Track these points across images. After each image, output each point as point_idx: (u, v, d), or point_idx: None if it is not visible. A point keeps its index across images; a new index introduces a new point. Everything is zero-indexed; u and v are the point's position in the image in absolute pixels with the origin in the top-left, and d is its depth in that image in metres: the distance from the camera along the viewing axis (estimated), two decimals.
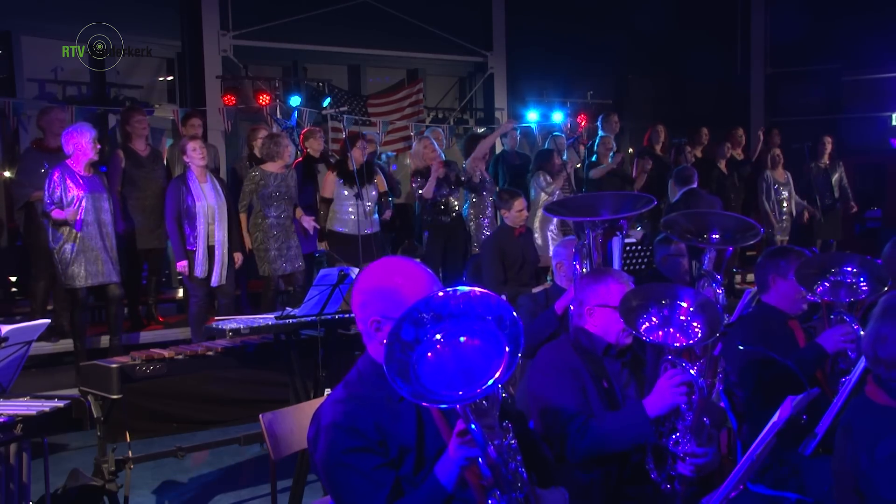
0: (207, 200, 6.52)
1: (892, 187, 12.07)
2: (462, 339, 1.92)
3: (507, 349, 1.86)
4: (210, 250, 6.58)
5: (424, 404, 1.89)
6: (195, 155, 6.49)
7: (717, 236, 3.23)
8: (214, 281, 6.63)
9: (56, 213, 6.09)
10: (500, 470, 1.93)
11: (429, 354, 1.91)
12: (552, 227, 8.29)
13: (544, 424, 2.86)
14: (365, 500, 2.11)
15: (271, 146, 6.95)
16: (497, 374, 1.82)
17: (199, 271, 6.53)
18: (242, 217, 6.90)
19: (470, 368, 1.88)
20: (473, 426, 1.88)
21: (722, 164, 9.88)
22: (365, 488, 2.11)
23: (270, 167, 6.94)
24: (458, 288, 1.94)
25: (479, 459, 1.93)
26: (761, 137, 10.61)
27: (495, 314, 1.90)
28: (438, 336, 1.92)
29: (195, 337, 6.45)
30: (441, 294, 1.94)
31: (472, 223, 8.09)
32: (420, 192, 7.78)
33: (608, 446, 2.79)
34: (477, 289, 1.93)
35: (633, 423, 2.75)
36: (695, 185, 8.23)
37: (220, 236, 6.60)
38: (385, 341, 1.92)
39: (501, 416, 1.99)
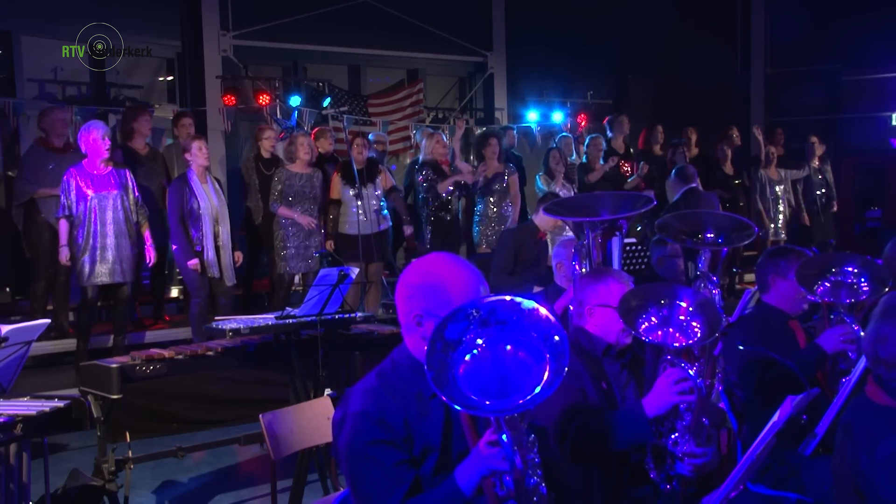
0: (211, 201, 6.53)
1: (892, 187, 12.07)
2: (507, 347, 1.92)
3: (549, 366, 1.87)
4: (217, 251, 6.59)
5: (459, 408, 1.89)
6: (200, 154, 6.49)
7: (712, 235, 3.22)
8: (230, 280, 6.65)
9: (63, 253, 6.18)
10: (523, 484, 1.94)
11: (468, 357, 1.91)
12: (566, 232, 8.24)
13: (544, 425, 2.85)
14: (382, 494, 2.12)
15: (288, 146, 7.11)
16: (537, 390, 1.84)
17: (214, 271, 6.53)
18: (283, 210, 7.02)
19: (507, 377, 1.90)
20: (505, 437, 1.89)
21: (726, 166, 9.85)
22: (384, 482, 2.11)
23: (294, 167, 7.01)
24: (512, 297, 1.94)
25: (504, 471, 1.93)
26: (760, 140, 10.53)
27: (543, 331, 1.91)
28: (480, 340, 1.92)
29: (196, 337, 6.45)
30: (491, 299, 1.95)
31: (482, 227, 8.06)
32: (434, 185, 7.77)
33: (607, 446, 2.78)
34: (529, 302, 1.93)
35: (631, 423, 2.75)
36: (695, 185, 8.20)
37: (226, 236, 6.62)
38: (428, 339, 1.93)
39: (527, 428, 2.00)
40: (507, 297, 1.95)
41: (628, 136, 10.00)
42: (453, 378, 1.89)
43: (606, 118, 10.04)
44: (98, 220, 6.18)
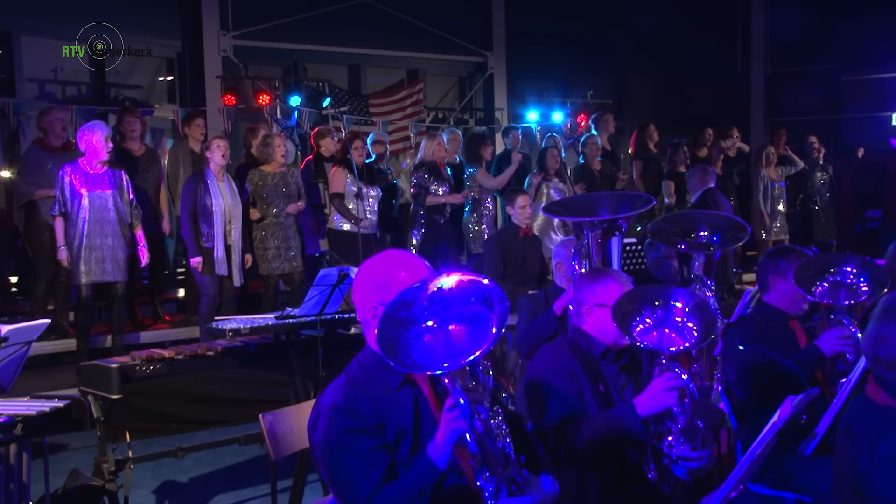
0: (225, 200, 6.55)
1: (892, 187, 12.06)
2: (451, 326, 2.01)
3: (495, 322, 1.96)
4: (227, 250, 6.60)
5: (412, 373, 1.99)
6: (217, 152, 6.53)
7: (706, 234, 3.21)
8: (237, 280, 6.69)
9: (61, 254, 6.18)
10: (487, 446, 1.98)
11: (423, 337, 2.00)
12: (553, 231, 8.26)
13: (540, 427, 2.86)
14: (359, 480, 2.14)
15: (263, 148, 7.06)
16: (482, 349, 1.91)
17: (221, 270, 6.56)
18: (252, 211, 6.96)
19: (457, 350, 1.96)
20: (462, 400, 1.95)
21: (718, 166, 9.85)
22: (360, 469, 2.15)
23: (267, 168, 6.97)
24: (445, 274, 2.03)
25: (467, 435, 1.97)
26: (783, 140, 10.53)
27: (479, 294, 2.00)
28: (430, 322, 2.01)
29: (204, 337, 6.45)
30: (431, 279, 2.04)
31: (473, 225, 8.09)
32: (419, 192, 7.75)
33: (601, 446, 2.78)
34: (465, 275, 2.02)
35: (623, 422, 2.75)
36: (713, 185, 8.13)
37: (237, 236, 6.63)
38: (378, 321, 2.01)
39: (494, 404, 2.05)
40: (442, 274, 2.03)
41: (613, 136, 10.01)
42: (404, 349, 1.97)
43: (592, 116, 10.05)
44: (92, 219, 6.18)
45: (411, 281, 2.17)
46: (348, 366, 2.34)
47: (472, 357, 1.90)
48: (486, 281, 2.00)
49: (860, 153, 10.65)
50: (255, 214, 6.94)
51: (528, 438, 2.45)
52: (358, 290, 2.32)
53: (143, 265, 6.60)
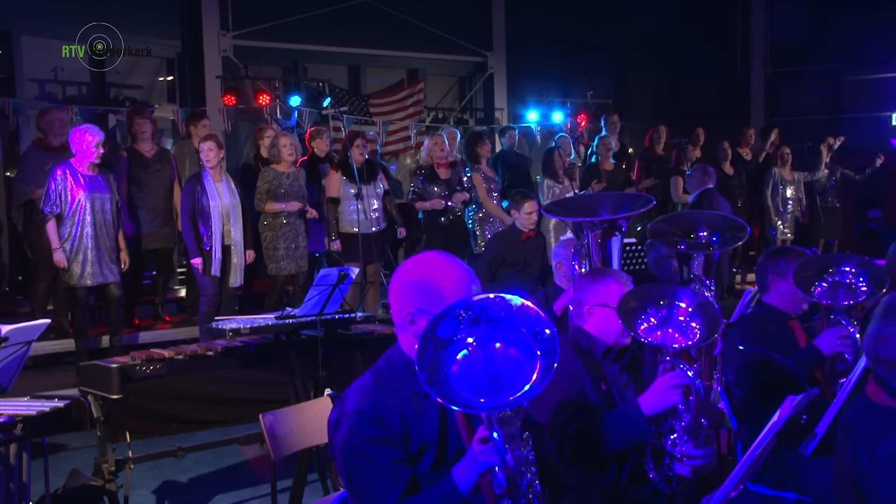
0: (222, 200, 6.56)
1: (892, 187, 12.07)
2: (497, 345, 1.93)
3: (539, 363, 1.88)
4: (226, 250, 6.60)
5: (452, 407, 1.89)
6: (202, 156, 6.54)
7: (705, 234, 3.20)
8: (235, 282, 6.69)
9: (57, 255, 6.13)
10: (516, 480, 1.94)
11: (460, 356, 1.92)
12: (568, 231, 8.26)
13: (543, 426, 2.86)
14: (379, 492, 2.11)
15: (271, 149, 7.07)
16: (527, 388, 1.84)
17: (215, 270, 6.56)
18: (272, 205, 6.90)
19: (499, 375, 1.90)
20: (496, 434, 1.89)
21: (726, 165, 9.85)
22: (380, 481, 2.11)
23: (279, 167, 6.99)
24: (501, 295, 1.94)
25: (497, 468, 1.93)
26: (773, 138, 10.57)
27: (533, 327, 1.91)
28: (471, 339, 1.93)
29: (203, 337, 6.45)
30: (482, 297, 1.95)
31: (477, 228, 8.09)
32: (414, 199, 7.78)
33: (605, 445, 2.78)
34: (519, 299, 1.93)
35: (628, 421, 2.75)
36: (712, 186, 8.14)
37: (237, 236, 6.63)
38: (419, 337, 1.93)
39: (522, 426, 1.99)
40: (497, 295, 1.95)
41: (620, 136, 10.03)
42: (445, 377, 1.89)
43: (601, 117, 10.09)
44: (87, 222, 6.19)
45: (452, 288, 2.14)
46: (377, 363, 2.28)
47: (517, 395, 1.84)
48: (548, 331, 1.90)
49: (879, 161, 10.60)
50: (295, 206, 6.92)
51: (547, 454, 2.38)
52: (395, 292, 2.24)
53: (123, 269, 6.58)
